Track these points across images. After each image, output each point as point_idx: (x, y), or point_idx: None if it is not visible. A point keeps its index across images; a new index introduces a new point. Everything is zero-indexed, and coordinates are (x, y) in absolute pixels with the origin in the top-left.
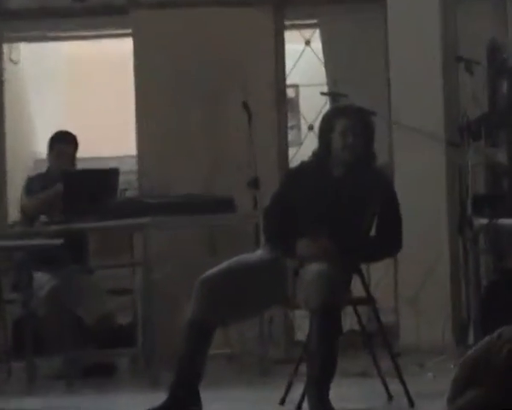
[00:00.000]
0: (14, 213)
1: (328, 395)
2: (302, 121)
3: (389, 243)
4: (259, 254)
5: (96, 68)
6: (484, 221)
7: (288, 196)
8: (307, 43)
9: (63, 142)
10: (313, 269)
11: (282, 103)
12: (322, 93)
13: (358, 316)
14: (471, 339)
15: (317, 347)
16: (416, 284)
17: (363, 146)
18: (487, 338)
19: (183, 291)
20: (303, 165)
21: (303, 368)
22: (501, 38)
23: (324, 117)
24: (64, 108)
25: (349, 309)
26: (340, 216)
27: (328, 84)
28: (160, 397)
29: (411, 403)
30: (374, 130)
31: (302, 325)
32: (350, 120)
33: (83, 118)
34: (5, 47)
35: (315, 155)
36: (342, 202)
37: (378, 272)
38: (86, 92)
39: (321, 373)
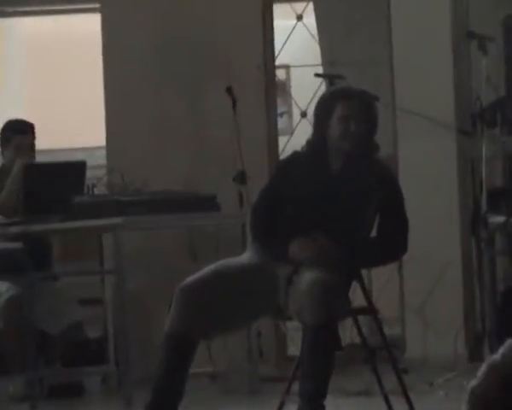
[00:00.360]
0: None
1: None
2: (294, 107)
3: (393, 244)
4: (247, 257)
5: (60, 48)
6: (500, 219)
7: (279, 191)
8: (299, 18)
9: (21, 132)
10: (308, 276)
11: (271, 87)
12: (317, 75)
13: (359, 328)
14: (486, 353)
15: (311, 363)
16: (424, 290)
17: (364, 135)
18: None
19: (160, 301)
20: (295, 155)
21: (296, 387)
22: None
23: (321, 100)
24: (24, 92)
25: (348, 320)
26: (338, 214)
27: (323, 64)
28: None
29: None
30: (377, 116)
31: (295, 338)
32: (350, 105)
33: (46, 104)
34: None
35: (309, 144)
36: (340, 199)
37: (381, 277)
38: (49, 75)
39: (315, 391)
